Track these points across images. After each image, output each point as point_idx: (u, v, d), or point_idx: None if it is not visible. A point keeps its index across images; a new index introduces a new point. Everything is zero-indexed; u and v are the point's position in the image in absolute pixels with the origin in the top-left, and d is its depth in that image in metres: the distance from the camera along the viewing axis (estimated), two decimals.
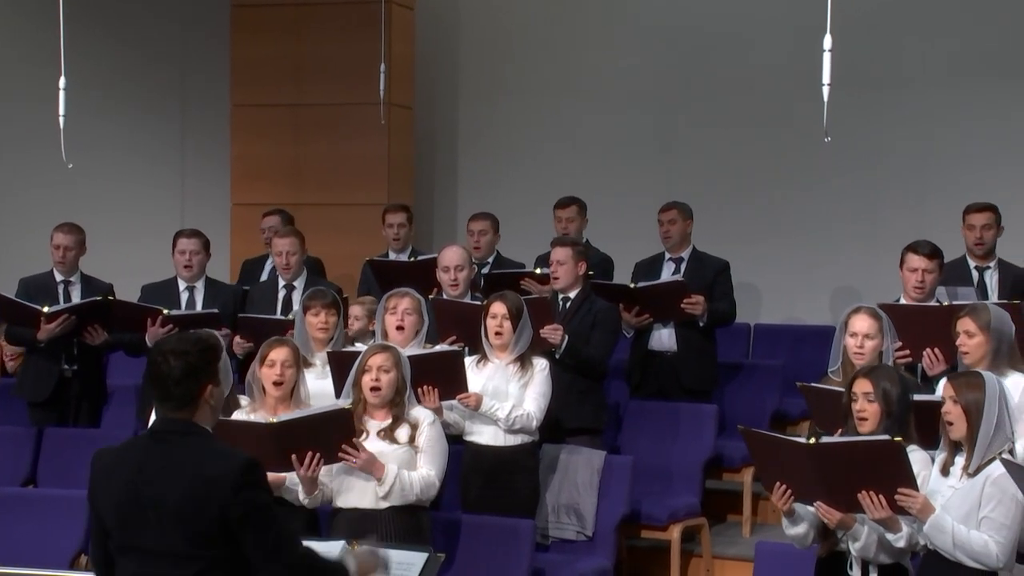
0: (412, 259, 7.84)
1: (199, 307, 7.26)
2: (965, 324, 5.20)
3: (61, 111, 6.61)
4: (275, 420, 5.24)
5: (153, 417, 5.40)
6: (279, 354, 5.50)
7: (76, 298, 7.33)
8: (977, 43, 8.91)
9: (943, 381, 4.75)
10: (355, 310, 6.89)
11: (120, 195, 10.11)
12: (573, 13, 10.04)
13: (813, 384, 5.43)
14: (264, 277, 8.05)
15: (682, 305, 7.19)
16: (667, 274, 7.57)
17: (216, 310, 7.11)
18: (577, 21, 10.02)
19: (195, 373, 3.57)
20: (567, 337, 6.62)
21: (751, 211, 9.34)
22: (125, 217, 9.98)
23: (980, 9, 8.92)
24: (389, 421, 5.44)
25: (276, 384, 5.49)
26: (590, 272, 7.00)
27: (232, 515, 3.46)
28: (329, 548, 4.18)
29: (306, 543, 3.68)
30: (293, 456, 5.18)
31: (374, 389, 5.39)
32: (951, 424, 4.49)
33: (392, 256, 8.21)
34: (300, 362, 5.61)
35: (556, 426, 6.51)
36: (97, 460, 3.69)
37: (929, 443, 4.69)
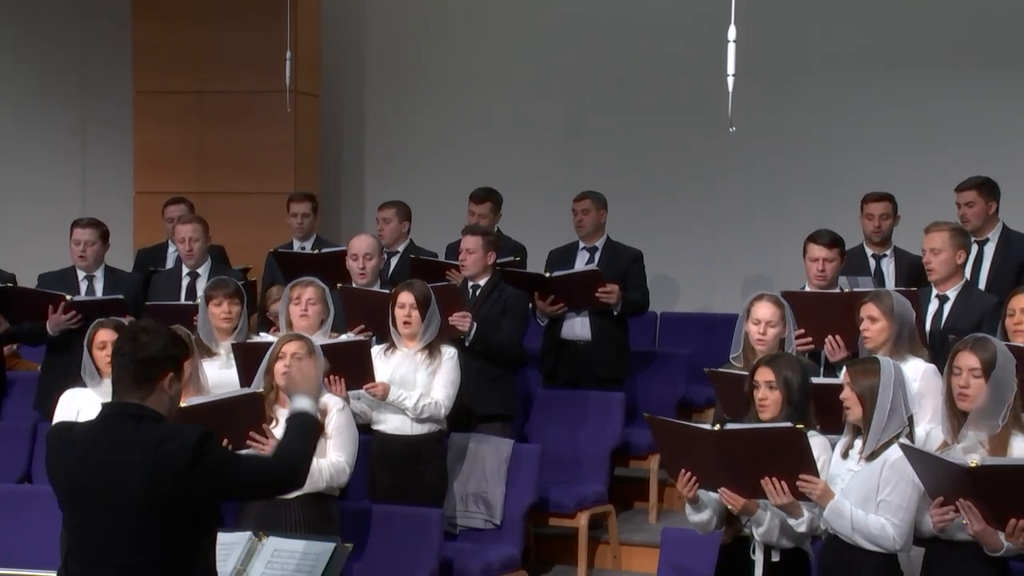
0: (317, 251, 7.79)
1: (99, 295, 7.14)
2: (868, 310, 5.28)
3: None
4: (184, 404, 5.17)
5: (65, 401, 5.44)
6: None
7: None
8: (879, 34, 9.05)
9: (843, 368, 4.83)
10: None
11: (18, 184, 9.87)
12: (482, 1, 10.02)
13: (720, 369, 5.48)
14: (170, 264, 7.95)
15: (597, 294, 7.23)
16: (581, 263, 7.59)
17: (121, 296, 7.00)
18: (486, 9, 10.02)
19: (161, 357, 3.53)
20: (476, 324, 6.62)
21: (659, 200, 9.40)
22: (24, 206, 9.75)
23: (882, 0, 9.07)
24: None
25: None
26: (517, 258, 7.00)
27: (196, 488, 3.42)
28: (236, 539, 4.15)
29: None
30: None
31: (287, 377, 5.35)
32: (848, 409, 4.58)
33: (296, 245, 8.16)
34: (194, 348, 5.53)
35: (467, 413, 6.51)
36: (52, 438, 3.64)
37: (831, 428, 4.77)
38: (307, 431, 3.71)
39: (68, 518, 3.55)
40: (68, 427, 3.77)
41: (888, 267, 7.15)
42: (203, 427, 3.54)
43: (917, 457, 4.37)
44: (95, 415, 5.17)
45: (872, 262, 7.16)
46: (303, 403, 3.76)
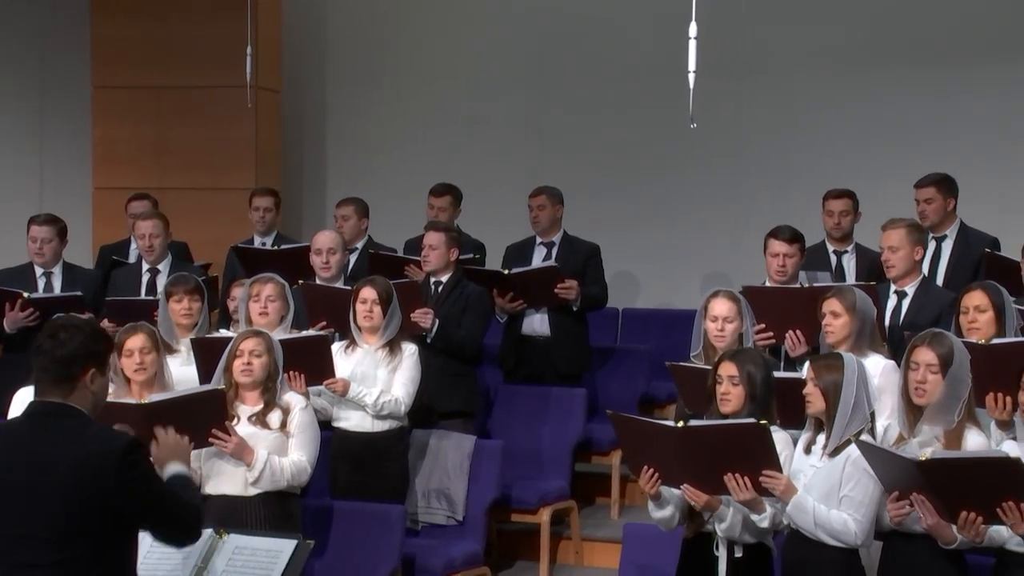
0: (277, 247, 7.76)
1: (57, 292, 7.08)
2: (831, 305, 5.31)
3: None
4: (146, 400, 5.14)
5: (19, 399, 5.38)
6: (135, 341, 5.41)
7: None
8: (840, 31, 9.09)
9: (807, 363, 4.86)
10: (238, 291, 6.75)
11: None
12: None
13: (681, 363, 5.50)
14: (133, 260, 7.90)
15: (556, 290, 7.23)
16: (538, 258, 7.60)
17: (79, 292, 6.95)
18: (447, 5, 10.00)
19: (81, 353, 3.47)
20: (438, 321, 6.62)
21: (620, 196, 9.41)
22: None
23: None
24: (260, 406, 5.40)
25: (137, 371, 5.39)
26: (477, 255, 7.00)
27: (117, 497, 3.36)
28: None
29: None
30: None
31: (245, 373, 5.33)
32: (811, 404, 4.60)
33: (257, 240, 8.13)
34: (160, 345, 5.51)
35: (428, 410, 6.50)
36: None
37: (791, 422, 4.79)
38: (194, 490, 3.73)
39: None
40: None
41: (849, 263, 7.19)
42: (132, 436, 3.50)
43: (872, 452, 4.40)
44: None
45: (833, 258, 7.20)
46: (177, 468, 3.73)
